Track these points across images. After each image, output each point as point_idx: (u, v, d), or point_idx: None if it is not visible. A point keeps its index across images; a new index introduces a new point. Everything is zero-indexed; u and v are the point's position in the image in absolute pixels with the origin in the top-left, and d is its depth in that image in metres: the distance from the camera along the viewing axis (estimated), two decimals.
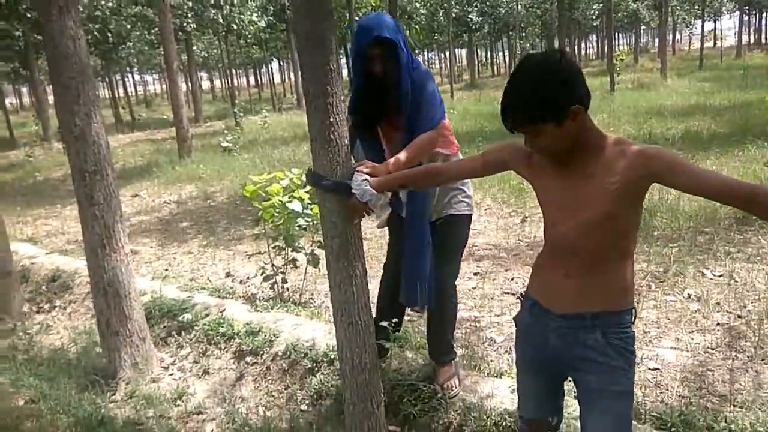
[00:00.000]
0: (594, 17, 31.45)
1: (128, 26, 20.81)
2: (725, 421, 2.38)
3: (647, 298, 3.66)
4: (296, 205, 3.74)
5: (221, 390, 3.07)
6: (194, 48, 25.05)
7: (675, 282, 3.84)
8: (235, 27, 18.71)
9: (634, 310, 1.59)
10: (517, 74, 1.45)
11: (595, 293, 1.55)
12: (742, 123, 9.15)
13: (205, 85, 57.58)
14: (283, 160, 9.85)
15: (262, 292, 4.19)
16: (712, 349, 3.03)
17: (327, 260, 2.18)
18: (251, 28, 19.51)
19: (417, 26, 18.37)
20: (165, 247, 5.95)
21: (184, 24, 18.22)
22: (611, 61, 16.96)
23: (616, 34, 45.39)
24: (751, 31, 43.22)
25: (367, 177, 2.00)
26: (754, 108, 9.99)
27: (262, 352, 3.20)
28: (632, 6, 30.31)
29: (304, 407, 2.88)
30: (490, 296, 3.97)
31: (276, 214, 3.86)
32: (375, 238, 5.18)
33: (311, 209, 3.80)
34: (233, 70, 24.18)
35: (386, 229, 2.86)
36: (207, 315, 3.65)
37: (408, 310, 2.98)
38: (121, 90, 34.73)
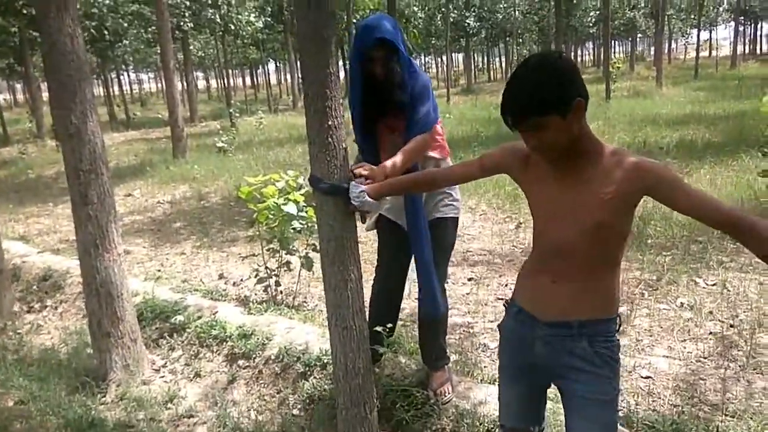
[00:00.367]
0: (591, 24, 31.63)
1: (125, 24, 20.74)
2: (717, 431, 2.38)
3: (640, 306, 3.66)
4: (291, 208, 3.73)
5: (213, 393, 3.05)
6: (191, 47, 25.01)
7: (668, 290, 3.85)
8: (232, 27, 18.71)
9: (619, 318, 1.59)
10: (519, 71, 1.45)
11: (582, 301, 1.55)
12: (736, 133, 9.21)
13: (201, 84, 57.47)
14: (278, 162, 9.84)
15: (256, 294, 4.17)
16: (705, 358, 3.04)
17: (322, 264, 2.17)
18: (249, 28, 19.51)
19: (415, 30, 18.40)
20: (158, 248, 5.92)
21: (181, 23, 18.17)
22: (607, 69, 17.03)
23: (613, 41, 45.60)
24: (746, 41, 43.56)
25: (364, 188, 2.00)
26: (749, 118, 10.06)
27: (254, 355, 3.18)
28: (629, 14, 30.50)
29: (296, 411, 2.87)
30: (483, 302, 3.97)
31: (271, 216, 3.84)
32: (369, 241, 5.17)
33: (306, 212, 3.79)
34: (229, 70, 24.15)
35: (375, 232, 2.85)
36: (199, 317, 3.63)
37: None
38: (116, 88, 34.59)
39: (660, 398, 2.72)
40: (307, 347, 3.10)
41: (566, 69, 1.43)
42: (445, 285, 4.22)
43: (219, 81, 41.65)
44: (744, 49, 40.81)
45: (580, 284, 1.54)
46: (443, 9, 23.25)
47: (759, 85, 16.36)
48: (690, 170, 7.06)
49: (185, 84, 22.88)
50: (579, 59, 50.86)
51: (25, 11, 14.45)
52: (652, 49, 28.65)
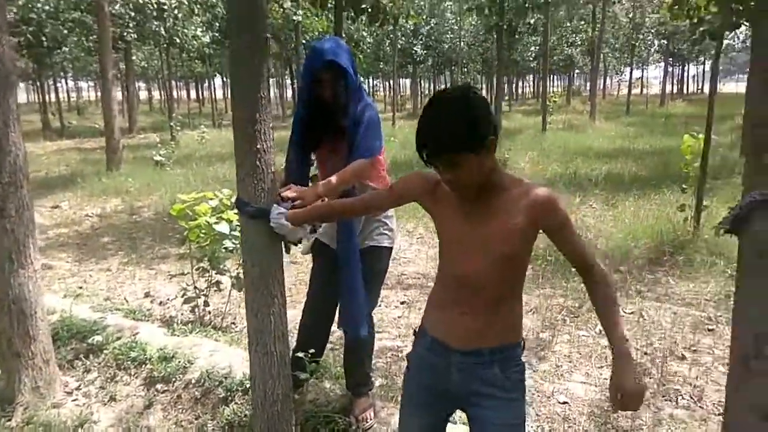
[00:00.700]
0: (531, 59, 32.89)
1: (65, 31, 20.01)
2: None
3: (562, 332, 3.79)
4: (224, 227, 3.66)
5: (127, 418, 2.92)
6: (134, 58, 24.36)
7: (588, 318, 4.00)
8: (177, 40, 18.34)
9: (523, 342, 1.66)
10: (434, 106, 1.47)
11: (492, 330, 1.59)
12: (661, 168, 9.76)
13: (143, 95, 55.91)
14: (218, 178, 9.66)
15: (182, 314, 4.06)
16: None
17: (246, 288, 2.15)
18: (195, 42, 19.20)
19: (361, 55, 18.63)
20: (82, 263, 5.67)
21: (125, 33, 17.71)
22: (545, 102, 17.74)
23: (551, 76, 47.59)
24: (675, 81, 46.36)
25: (284, 211, 1.99)
26: (673, 154, 10.68)
27: (174, 379, 3.07)
28: (567, 51, 31.93)
29: None
30: (414, 326, 3.98)
31: (202, 235, 3.76)
32: (306, 262, 5.13)
33: (239, 231, 3.73)
34: (173, 83, 23.63)
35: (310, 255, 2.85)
36: (119, 338, 3.49)
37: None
38: (52, 95, 33.17)
39: (575, 424, 2.81)
40: (231, 371, 3.03)
41: (480, 107, 1.45)
42: (376, 308, 4.25)
43: (162, 93, 40.66)
44: (672, 89, 43.42)
45: (490, 315, 1.57)
46: (391, 35, 23.65)
47: (684, 123, 17.40)
48: (616, 202, 7.41)
49: (126, 94, 22.21)
50: (520, 91, 52.73)
51: None
52: (588, 84, 30.11)
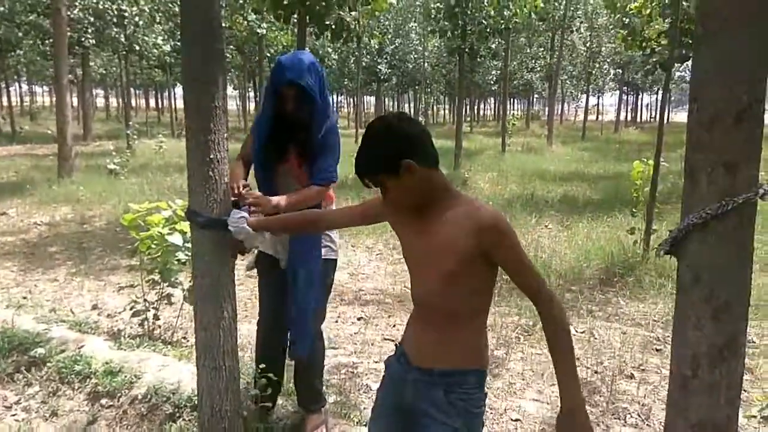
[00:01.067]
0: (492, 82, 33.61)
1: (20, 34, 19.41)
2: None
3: (515, 350, 3.84)
4: (176, 238, 3.58)
5: None
6: (92, 64, 23.78)
7: (541, 336, 4.04)
8: (137, 48, 18.01)
9: (484, 373, 1.62)
10: (365, 133, 1.59)
11: (443, 351, 1.59)
12: (613, 192, 10.06)
13: (100, 102, 54.55)
14: (174, 188, 9.46)
15: (130, 328, 3.93)
16: None
17: (195, 301, 2.10)
18: (155, 50, 18.89)
19: (327, 70, 18.70)
20: (28, 273, 5.44)
21: (83, 39, 17.29)
22: (504, 124, 18.13)
23: (512, 99, 48.78)
24: (629, 109, 48.11)
25: (246, 215, 1.98)
26: (624, 179, 11.03)
27: (119, 394, 2.97)
28: (526, 76, 32.78)
29: None
30: (371, 342, 3.99)
31: (153, 246, 3.67)
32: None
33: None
34: (132, 90, 23.16)
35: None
36: (63, 351, 3.35)
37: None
38: (4, 99, 32.01)
39: None
40: (179, 386, 2.95)
41: (395, 133, 1.53)
42: (333, 324, 4.22)
43: (119, 100, 39.72)
44: (627, 116, 45.04)
45: (443, 334, 1.59)
46: (356, 53, 23.83)
47: (636, 149, 18.06)
48: (570, 223, 7.60)
49: (81, 100, 21.62)
50: (481, 113, 53.76)
51: None
52: (547, 109, 30.98)
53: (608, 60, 28.67)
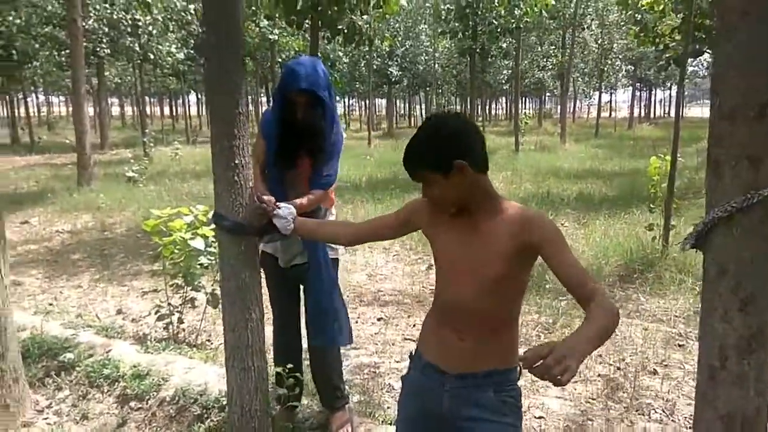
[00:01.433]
0: (503, 81, 33.53)
1: (36, 45, 19.74)
2: None
3: None
4: (199, 243, 3.64)
5: None
6: (107, 73, 24.11)
7: (562, 333, 4.07)
8: (151, 56, 18.24)
9: (519, 367, 1.61)
10: (419, 128, 1.56)
11: (487, 353, 1.58)
12: (629, 188, 10.00)
13: (116, 111, 55.21)
14: (192, 194, 9.58)
15: (155, 332, 4.00)
16: (593, 399, 3.22)
17: (222, 303, 2.15)
18: (169, 59, 19.11)
19: (337, 75, 18.78)
20: (52, 280, 5.55)
21: (98, 49, 17.55)
22: (517, 124, 18.08)
23: (523, 98, 48.56)
24: (642, 105, 47.74)
25: (294, 214, 1.98)
26: (640, 175, 10.96)
27: (148, 396, 3.03)
28: (538, 74, 32.65)
29: None
30: (391, 342, 4.02)
31: (176, 251, 3.73)
32: None
33: (214, 247, 3.72)
34: (147, 98, 23.45)
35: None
36: (91, 355, 3.42)
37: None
38: (22, 110, 32.56)
39: None
40: (206, 388, 3.00)
41: (451, 131, 1.51)
42: (353, 324, 4.25)
43: (134, 108, 40.20)
44: (640, 113, 44.71)
45: (485, 338, 1.57)
46: (367, 56, 23.90)
47: (651, 145, 17.90)
48: (587, 221, 7.57)
49: (98, 109, 21.92)
50: (493, 112, 53.62)
51: None
52: (559, 107, 30.83)
53: (620, 56, 28.47)
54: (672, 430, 2.92)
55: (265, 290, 2.48)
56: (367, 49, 19.24)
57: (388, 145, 22.12)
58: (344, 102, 45.38)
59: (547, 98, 49.01)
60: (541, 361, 1.16)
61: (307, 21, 7.05)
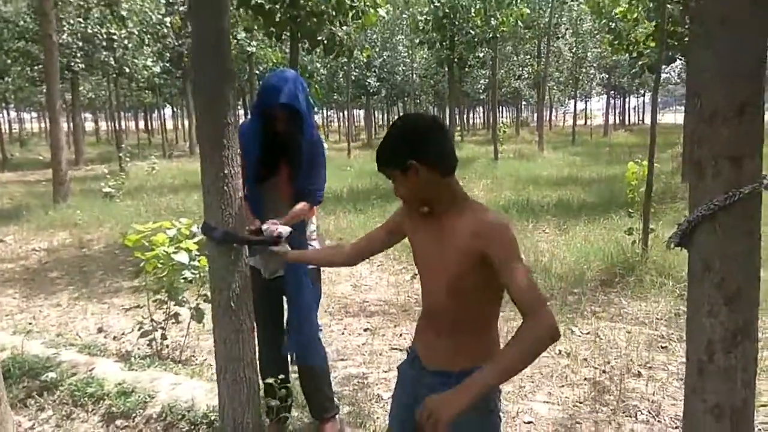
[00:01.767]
0: (481, 91, 33.89)
1: (8, 61, 19.45)
2: None
3: None
4: (183, 257, 3.61)
5: None
6: (81, 88, 23.81)
7: None
8: (127, 70, 18.07)
9: None
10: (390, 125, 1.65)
11: (463, 352, 1.62)
12: (607, 194, 10.15)
13: (89, 126, 54.51)
14: (171, 209, 9.48)
15: (138, 349, 3.94)
16: (580, 402, 3.25)
17: (213, 314, 2.13)
18: (145, 72, 18.96)
19: (317, 86, 18.86)
20: (30, 299, 5.44)
21: (72, 63, 17.34)
22: (495, 132, 18.27)
23: (501, 107, 49.13)
24: (617, 112, 48.57)
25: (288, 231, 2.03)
26: (618, 181, 11.15)
27: (134, 414, 2.98)
28: (514, 84, 33.08)
29: None
30: (378, 352, 4.01)
31: (160, 266, 3.69)
32: None
33: (199, 261, 3.69)
34: (121, 113, 23.18)
35: None
36: (74, 374, 3.35)
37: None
38: None
39: None
40: (194, 404, 2.96)
41: (408, 131, 1.59)
42: (340, 336, 4.24)
43: (109, 123, 39.70)
44: (615, 120, 45.47)
45: (460, 337, 1.62)
46: (345, 67, 24.00)
47: (626, 152, 18.20)
48: (567, 227, 7.66)
49: (71, 125, 21.62)
50: (471, 122, 54.10)
51: None
52: (536, 115, 31.25)
53: (594, 65, 28.99)
54: (659, 431, 2.96)
55: None
56: (345, 60, 19.33)
57: (368, 156, 22.18)
58: (323, 113, 45.41)
59: (523, 107, 49.64)
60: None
61: (286, 32, 7.07)
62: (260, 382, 2.51)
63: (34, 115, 55.98)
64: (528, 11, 13.19)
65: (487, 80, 29.82)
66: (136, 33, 17.23)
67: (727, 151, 1.35)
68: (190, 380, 3.30)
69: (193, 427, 2.83)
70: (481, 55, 18.78)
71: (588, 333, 4.21)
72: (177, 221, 3.78)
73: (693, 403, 1.44)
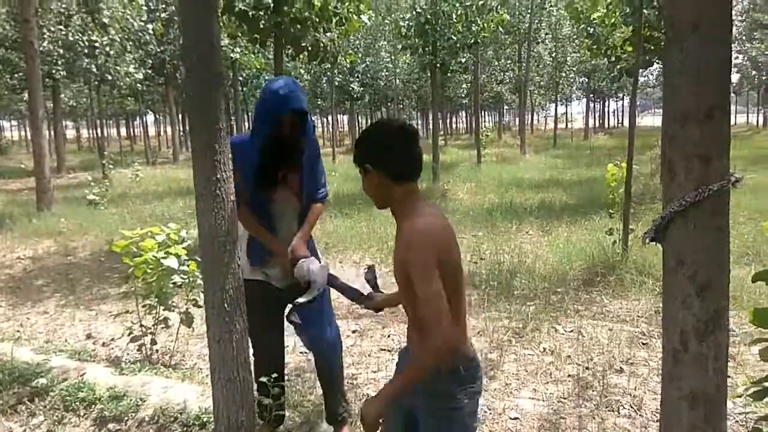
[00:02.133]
0: (463, 95, 34.11)
1: None
2: None
3: (508, 353, 3.95)
4: (172, 262, 3.64)
5: None
6: (62, 96, 23.56)
7: (532, 337, 4.19)
8: (109, 77, 17.93)
9: (457, 370, 1.70)
10: None
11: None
12: (588, 196, 10.33)
13: (70, 134, 53.87)
14: (156, 216, 9.45)
15: (128, 354, 3.96)
16: (564, 398, 3.33)
17: (207, 315, 2.18)
18: (127, 79, 18.83)
19: None
20: (17, 307, 5.41)
21: (53, 71, 17.17)
22: (477, 136, 18.44)
23: (483, 111, 49.43)
24: (596, 116, 49.18)
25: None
26: (598, 183, 11.32)
27: (126, 417, 3.00)
28: (496, 88, 33.35)
29: None
30: (367, 353, 4.07)
31: (149, 271, 3.72)
32: None
33: (188, 266, 3.72)
34: (103, 120, 22.98)
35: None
36: (65, 379, 3.37)
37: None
38: None
39: None
40: (186, 406, 2.99)
41: (368, 136, 1.73)
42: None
43: (91, 131, 39.30)
44: (595, 123, 46.05)
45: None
46: (328, 73, 24.04)
47: (606, 154, 18.46)
48: (550, 228, 7.79)
49: (53, 133, 21.38)
50: (454, 126, 54.41)
51: None
52: (517, 119, 31.54)
53: (574, 69, 29.35)
54: (640, 424, 3.05)
55: None
56: (329, 66, 19.39)
57: (352, 161, 22.26)
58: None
59: (505, 111, 50.04)
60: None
61: (270, 39, 7.11)
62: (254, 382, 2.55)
63: (14, 123, 55.18)
64: (508, 17, 13.36)
65: (469, 85, 30.02)
66: (118, 40, 17.13)
67: (697, 150, 1.43)
68: (182, 383, 3.33)
69: (185, 429, 2.86)
70: (463, 60, 18.93)
71: (571, 331, 4.31)
72: (165, 226, 3.81)
73: (669, 390, 1.52)
